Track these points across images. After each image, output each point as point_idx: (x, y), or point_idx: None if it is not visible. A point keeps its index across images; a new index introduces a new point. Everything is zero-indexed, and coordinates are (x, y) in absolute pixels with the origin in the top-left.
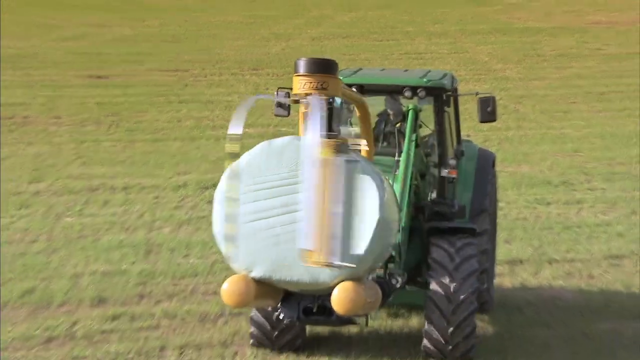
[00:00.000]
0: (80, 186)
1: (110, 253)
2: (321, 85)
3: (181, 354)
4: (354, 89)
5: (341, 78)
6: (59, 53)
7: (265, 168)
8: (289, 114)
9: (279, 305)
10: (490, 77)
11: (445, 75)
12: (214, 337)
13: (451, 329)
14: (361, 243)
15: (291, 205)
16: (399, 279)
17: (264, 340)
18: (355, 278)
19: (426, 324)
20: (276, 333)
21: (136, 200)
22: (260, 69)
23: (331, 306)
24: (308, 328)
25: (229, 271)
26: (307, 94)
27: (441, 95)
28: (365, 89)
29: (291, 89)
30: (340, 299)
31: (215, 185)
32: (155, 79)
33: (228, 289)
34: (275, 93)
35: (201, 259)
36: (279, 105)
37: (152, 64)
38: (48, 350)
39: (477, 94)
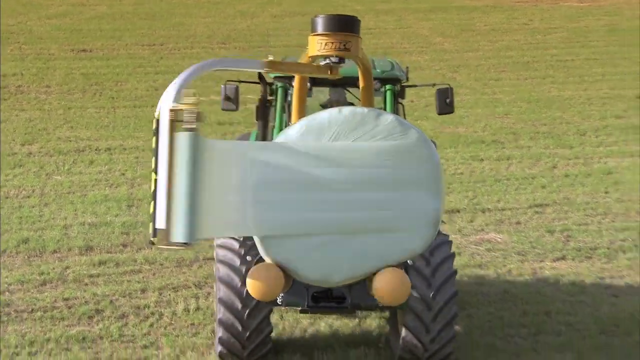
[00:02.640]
0: (68, 148)
1: (96, 207)
2: (344, 45)
3: (160, 294)
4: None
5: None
6: (45, 29)
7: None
8: (237, 107)
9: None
10: (430, 49)
11: (392, 65)
12: (189, 279)
13: (431, 337)
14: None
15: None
16: (411, 260)
17: (233, 345)
18: (395, 265)
19: (403, 331)
20: (247, 335)
21: (119, 160)
22: (228, 43)
23: (343, 292)
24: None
25: None
26: (327, 56)
27: (395, 87)
28: (317, 81)
29: (240, 81)
30: (389, 288)
31: None
32: (134, 52)
33: (254, 280)
34: (223, 87)
35: None
36: (227, 98)
37: (130, 39)
38: (42, 292)
39: (434, 85)
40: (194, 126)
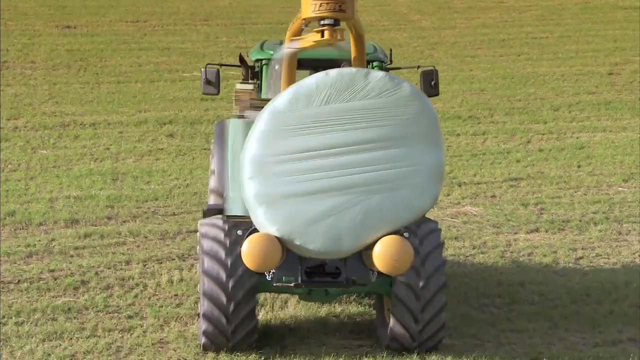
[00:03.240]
0: (53, 122)
1: (81, 180)
2: (339, 6)
3: (144, 266)
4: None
5: (271, 52)
6: (30, 5)
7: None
8: (218, 91)
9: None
10: (408, 27)
11: (375, 47)
12: (173, 251)
13: (420, 327)
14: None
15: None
16: (408, 233)
17: (218, 338)
18: (396, 232)
19: (392, 321)
20: (232, 328)
21: (103, 135)
22: (210, 20)
23: (338, 266)
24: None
25: (185, 196)
26: (321, 17)
27: (379, 69)
28: (301, 64)
29: (221, 65)
30: (389, 255)
31: (172, 122)
32: (117, 29)
33: (254, 249)
34: (203, 70)
35: (161, 185)
36: (208, 82)
37: (114, 15)
38: (29, 264)
39: (418, 67)
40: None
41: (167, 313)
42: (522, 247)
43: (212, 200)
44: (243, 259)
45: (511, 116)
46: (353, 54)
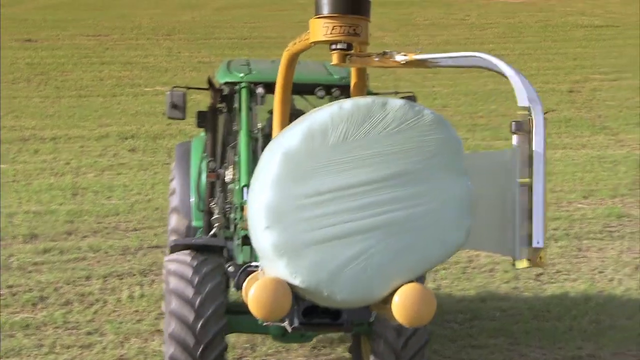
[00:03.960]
0: (13, 137)
1: (41, 195)
2: (354, 30)
3: (105, 281)
4: (259, 89)
5: (240, 75)
6: None
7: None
8: (184, 116)
9: None
10: (372, 43)
11: (349, 71)
12: (134, 267)
13: None
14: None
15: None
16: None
17: (185, 337)
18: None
19: (372, 358)
20: (200, 350)
21: (63, 149)
22: (173, 34)
23: (338, 309)
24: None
25: (147, 211)
26: (333, 42)
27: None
28: (272, 88)
29: (188, 87)
30: (411, 306)
31: (133, 136)
32: (79, 43)
33: (263, 296)
34: (168, 93)
35: (122, 200)
36: (174, 106)
37: (76, 29)
38: None
39: (396, 93)
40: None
41: (128, 329)
42: (484, 264)
43: (173, 220)
44: (250, 307)
45: (473, 132)
46: (354, 80)
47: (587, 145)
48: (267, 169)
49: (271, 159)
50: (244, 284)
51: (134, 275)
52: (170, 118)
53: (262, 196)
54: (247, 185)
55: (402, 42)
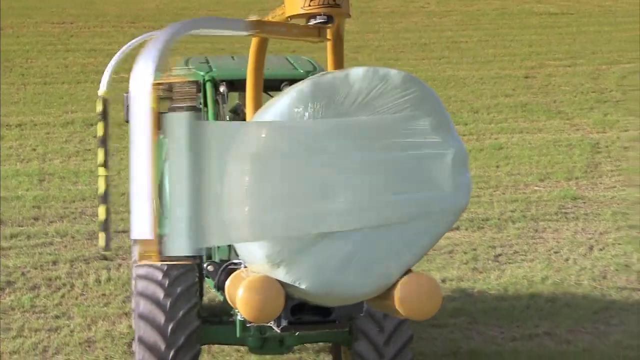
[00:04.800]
0: None
1: (8, 181)
2: (334, 1)
3: (72, 266)
4: (222, 87)
5: (201, 73)
6: None
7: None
8: None
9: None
10: None
11: (314, 65)
12: (100, 251)
13: None
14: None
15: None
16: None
17: (156, 340)
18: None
19: (355, 357)
20: (172, 354)
21: (29, 136)
22: (137, 22)
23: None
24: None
25: (113, 196)
26: (312, 15)
27: None
28: (235, 85)
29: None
30: (416, 298)
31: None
32: (44, 30)
33: (254, 298)
34: (126, 95)
35: (88, 186)
36: None
37: (40, 17)
38: None
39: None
40: (190, 104)
41: (95, 312)
42: (444, 245)
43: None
44: (240, 309)
45: None
46: (330, 58)
47: (543, 129)
48: (238, 181)
49: (240, 168)
50: (227, 284)
51: (101, 259)
52: (127, 122)
53: (244, 210)
54: None
55: (363, 30)
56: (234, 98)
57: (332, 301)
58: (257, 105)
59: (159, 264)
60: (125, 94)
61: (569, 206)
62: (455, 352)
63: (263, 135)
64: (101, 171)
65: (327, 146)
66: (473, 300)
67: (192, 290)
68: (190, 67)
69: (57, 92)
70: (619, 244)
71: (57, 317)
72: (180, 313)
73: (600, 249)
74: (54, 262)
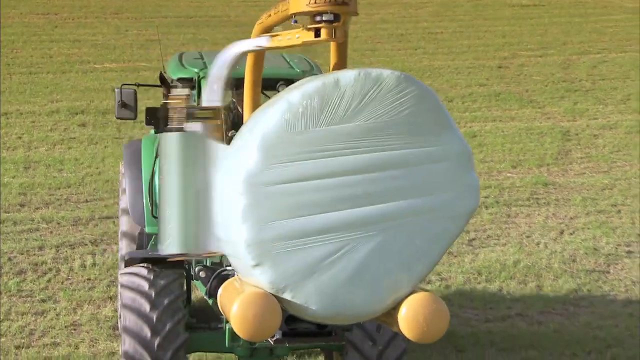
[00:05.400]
0: None
1: None
2: None
3: (57, 251)
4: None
5: (195, 70)
6: None
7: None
8: (136, 115)
9: None
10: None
11: (311, 65)
12: (86, 237)
13: None
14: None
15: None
16: None
17: (142, 356)
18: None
19: None
20: (158, 341)
21: (15, 124)
22: (121, 13)
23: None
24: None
25: (97, 183)
26: (318, 12)
27: None
28: (236, 82)
29: (138, 85)
30: (422, 319)
31: (83, 112)
32: (29, 21)
33: (248, 314)
34: (117, 90)
35: (73, 173)
36: (124, 105)
37: (25, 8)
38: None
39: None
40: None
41: (80, 296)
42: None
43: (124, 223)
44: (234, 326)
45: None
46: (333, 60)
47: (516, 117)
48: (233, 207)
49: (234, 190)
50: (219, 292)
51: (86, 244)
52: (119, 118)
53: (239, 233)
54: None
55: None
56: (227, 95)
57: (342, 320)
58: (255, 104)
59: (145, 272)
60: (116, 89)
61: (540, 192)
62: None
63: (256, 159)
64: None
65: (323, 157)
66: (448, 283)
67: (179, 301)
68: (185, 64)
69: (42, 82)
70: (588, 228)
71: (43, 301)
72: (167, 327)
73: (571, 233)
74: (40, 248)
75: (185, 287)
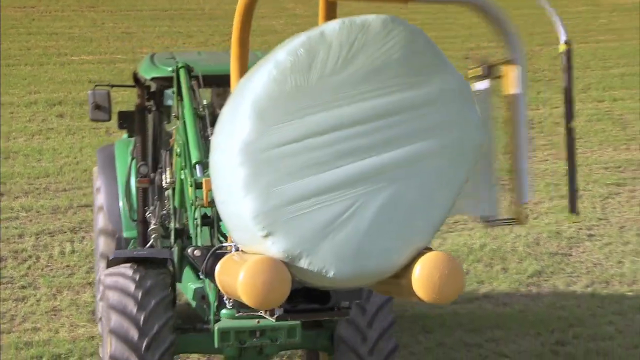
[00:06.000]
0: None
1: None
2: None
3: (37, 239)
4: (194, 83)
5: (169, 69)
6: None
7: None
8: (109, 117)
9: None
10: (284, 14)
11: None
12: (65, 225)
13: None
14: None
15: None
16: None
17: (129, 358)
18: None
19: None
20: (146, 342)
21: None
22: (96, 6)
23: (326, 291)
24: None
25: (75, 173)
26: None
27: None
28: (207, 81)
29: (112, 86)
30: (437, 279)
31: (61, 103)
32: (6, 14)
33: (257, 280)
34: (91, 92)
35: (51, 163)
36: (97, 107)
37: (3, 1)
38: None
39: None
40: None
41: (60, 283)
42: None
43: (102, 243)
44: (242, 294)
45: None
46: (322, 21)
47: None
48: (234, 180)
49: (231, 164)
50: (217, 269)
51: (65, 232)
52: (93, 120)
53: (243, 206)
54: (200, 162)
55: (313, 13)
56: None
57: (361, 281)
58: (243, 66)
59: (130, 272)
60: (89, 91)
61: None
62: (401, 315)
63: (249, 126)
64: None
65: (319, 112)
66: None
67: (167, 301)
68: (157, 63)
69: (20, 74)
70: (552, 212)
71: (23, 287)
72: (155, 329)
73: (534, 218)
74: (20, 236)
75: (171, 288)
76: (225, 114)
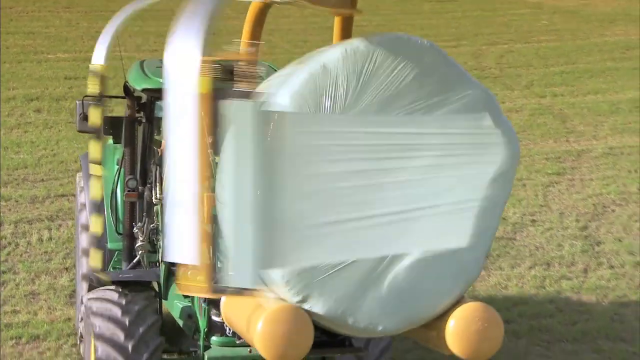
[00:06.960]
0: None
1: None
2: None
3: (16, 227)
4: None
5: (161, 80)
6: None
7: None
8: (98, 131)
9: None
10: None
11: (273, 69)
12: (43, 213)
13: None
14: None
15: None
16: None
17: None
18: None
19: None
20: (132, 344)
21: None
22: (72, 7)
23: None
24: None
25: (52, 164)
26: None
27: None
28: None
29: (101, 96)
30: (475, 332)
31: (38, 98)
32: None
33: (278, 332)
34: (79, 102)
35: (30, 155)
36: (85, 118)
37: None
38: None
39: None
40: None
41: (38, 268)
42: None
43: (85, 264)
44: (259, 346)
45: None
46: (337, 37)
47: None
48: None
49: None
50: (223, 302)
51: (43, 220)
52: (80, 132)
53: (273, 270)
54: None
55: (277, 14)
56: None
57: (415, 326)
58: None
59: (115, 296)
60: (77, 101)
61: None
62: None
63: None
64: (96, 170)
65: (340, 159)
66: None
67: (155, 327)
68: (148, 73)
69: None
70: None
71: (3, 272)
72: (144, 356)
73: None
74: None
75: (159, 312)
76: (229, 170)
